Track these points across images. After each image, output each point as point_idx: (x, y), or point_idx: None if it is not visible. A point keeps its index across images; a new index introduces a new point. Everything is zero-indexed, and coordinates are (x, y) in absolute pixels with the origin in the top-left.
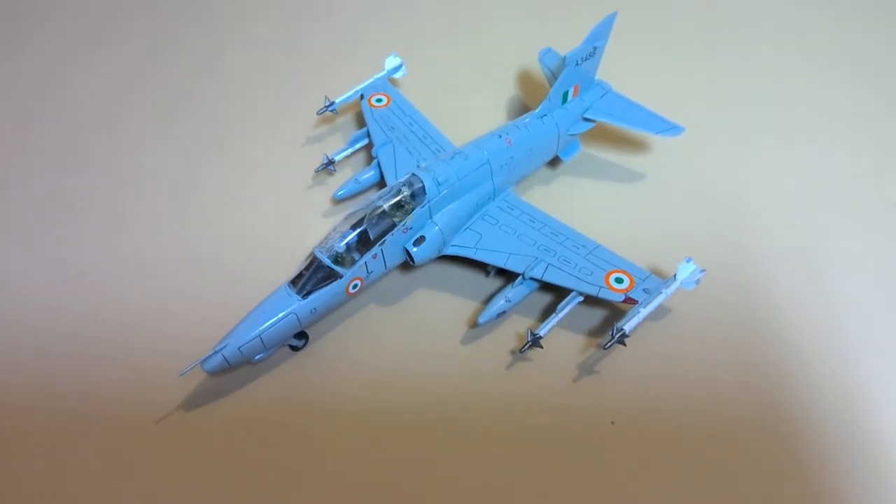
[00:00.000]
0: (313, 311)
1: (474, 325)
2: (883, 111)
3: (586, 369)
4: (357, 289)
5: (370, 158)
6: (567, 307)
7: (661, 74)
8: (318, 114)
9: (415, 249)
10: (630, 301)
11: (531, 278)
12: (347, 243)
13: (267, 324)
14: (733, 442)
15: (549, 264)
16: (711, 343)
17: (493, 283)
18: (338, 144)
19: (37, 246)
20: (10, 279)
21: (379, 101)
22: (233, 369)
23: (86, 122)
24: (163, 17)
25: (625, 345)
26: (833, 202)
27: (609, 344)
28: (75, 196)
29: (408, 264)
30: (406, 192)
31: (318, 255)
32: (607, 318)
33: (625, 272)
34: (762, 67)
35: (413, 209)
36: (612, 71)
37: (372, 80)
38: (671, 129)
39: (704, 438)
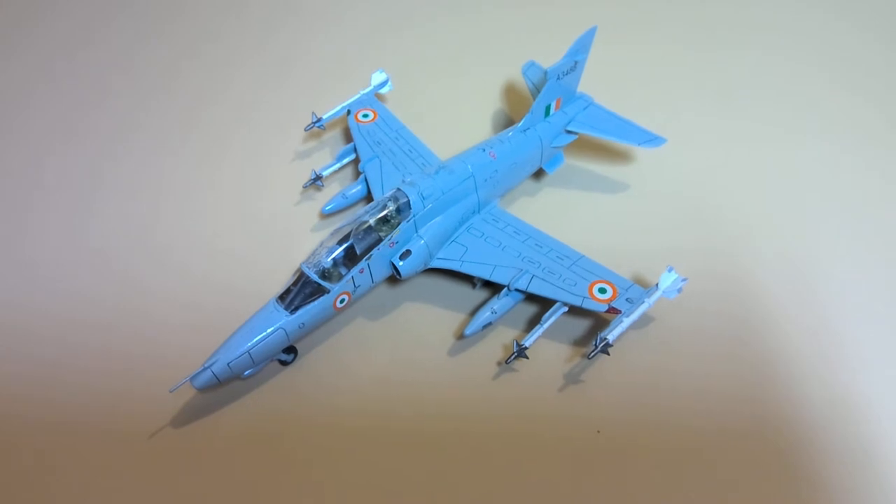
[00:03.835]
0: (301, 326)
1: (461, 336)
2: (870, 116)
3: (571, 379)
4: (344, 303)
5: (357, 173)
6: (552, 318)
7: (644, 84)
8: (305, 130)
9: (401, 263)
10: (613, 311)
11: (516, 290)
12: (334, 258)
13: (255, 339)
14: (720, 450)
15: (533, 276)
16: (696, 351)
17: (479, 295)
18: (325, 160)
19: (29, 255)
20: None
21: (365, 116)
22: (222, 385)
23: (74, 134)
24: (143, 33)
25: (609, 354)
26: (820, 208)
27: (593, 354)
28: (67, 205)
29: (395, 278)
30: (392, 206)
31: (306, 270)
32: (592, 327)
33: (608, 282)
34: (745, 75)
35: (399, 223)
36: (595, 81)
37: (358, 95)
38: (653, 140)
39: (690, 447)
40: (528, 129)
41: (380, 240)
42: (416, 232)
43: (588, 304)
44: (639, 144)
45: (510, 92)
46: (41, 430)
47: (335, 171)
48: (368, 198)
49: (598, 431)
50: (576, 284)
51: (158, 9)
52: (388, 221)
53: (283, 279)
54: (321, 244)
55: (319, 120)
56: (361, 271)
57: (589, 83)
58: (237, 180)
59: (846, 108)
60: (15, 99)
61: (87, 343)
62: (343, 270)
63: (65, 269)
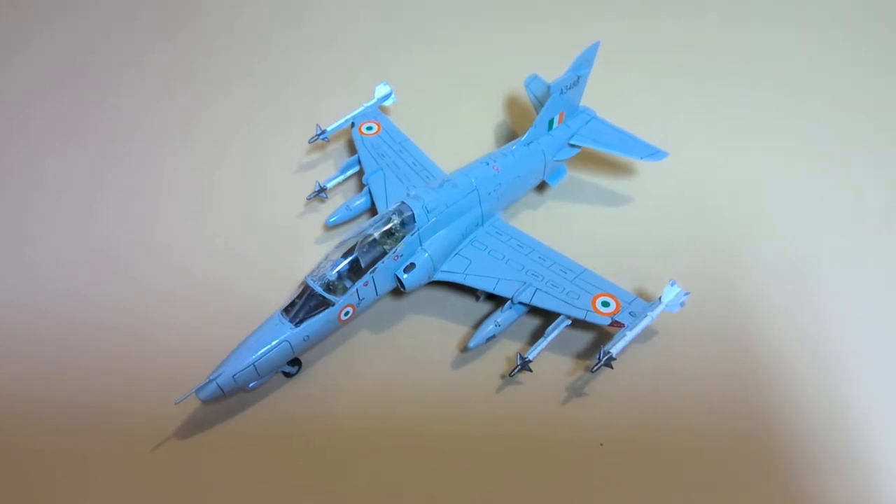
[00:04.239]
0: (306, 338)
1: (464, 349)
2: (868, 123)
3: (575, 392)
4: (349, 316)
5: (361, 185)
6: (555, 331)
7: (648, 95)
8: (309, 142)
9: (405, 276)
10: (616, 324)
11: (520, 303)
12: (339, 271)
13: (260, 352)
14: (723, 462)
15: (537, 289)
16: (699, 363)
17: (483, 307)
18: (329, 172)
19: (29, 255)
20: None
21: (369, 128)
22: (227, 397)
23: (74, 134)
24: (146, 38)
25: (612, 367)
26: (820, 217)
27: (596, 367)
28: (67, 205)
29: (399, 291)
30: (396, 220)
31: (311, 283)
32: (595, 340)
33: (611, 296)
34: (751, 89)
35: (403, 237)
36: (597, 93)
37: (362, 108)
38: (655, 154)
39: (694, 459)
40: (531, 142)
41: (384, 253)
42: (421, 245)
43: (591, 318)
44: (641, 158)
45: (513, 105)
46: (41, 431)
47: (339, 184)
48: (372, 210)
49: (602, 444)
50: (579, 298)
51: (161, 14)
52: (392, 234)
53: (287, 290)
54: (326, 257)
55: (323, 132)
56: (366, 284)
57: (591, 91)
58: (241, 192)
59: (845, 110)
60: (15, 99)
61: (88, 343)
62: (348, 283)
63: (65, 269)
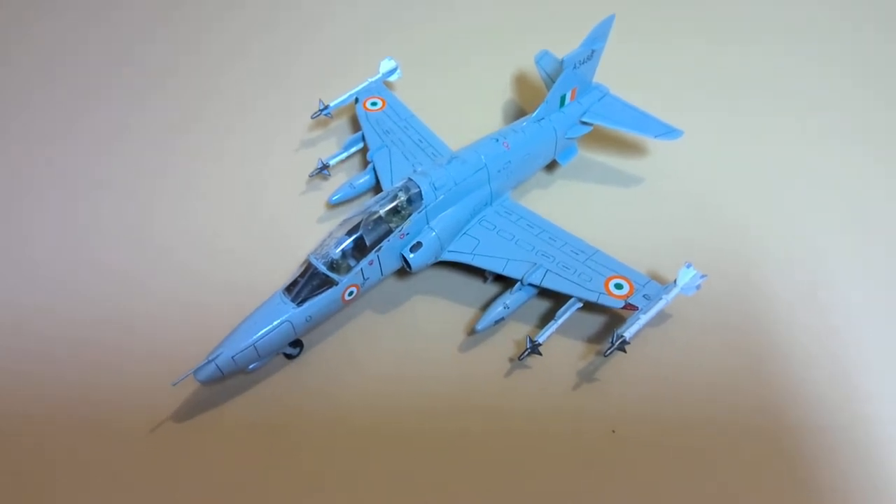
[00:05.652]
0: (308, 318)
1: (472, 331)
2: (885, 117)
3: (586, 376)
4: (353, 296)
5: (365, 163)
6: (566, 313)
7: (660, 77)
8: (312, 118)
9: (411, 255)
10: (630, 307)
11: (529, 284)
12: (343, 250)
13: (261, 332)
14: (735, 449)
15: (547, 270)
16: (712, 349)
17: (491, 289)
18: (332, 148)
19: (29, 255)
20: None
21: (374, 104)
22: (226, 378)
23: (74, 131)
24: (147, 18)
25: (625, 352)
26: (833, 208)
27: (609, 351)
28: (67, 204)
29: (404, 270)
30: (402, 197)
31: (314, 261)
32: (607, 324)
33: (624, 278)
34: (763, 72)
35: (410, 214)
36: (611, 73)
37: (367, 83)
38: (670, 132)
39: (706, 446)
40: (542, 119)
41: (390, 231)
42: (428, 223)
43: (604, 300)
44: (655, 137)
45: (522, 82)
46: (41, 430)
47: (342, 161)
48: (377, 188)
49: (614, 431)
50: (591, 280)
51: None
52: (398, 212)
53: (288, 271)
54: (330, 235)
55: (326, 107)
56: (371, 263)
57: (607, 74)
58: (241, 170)
59: (858, 106)
60: (14, 98)
61: (87, 342)
62: (352, 262)
63: (65, 268)
